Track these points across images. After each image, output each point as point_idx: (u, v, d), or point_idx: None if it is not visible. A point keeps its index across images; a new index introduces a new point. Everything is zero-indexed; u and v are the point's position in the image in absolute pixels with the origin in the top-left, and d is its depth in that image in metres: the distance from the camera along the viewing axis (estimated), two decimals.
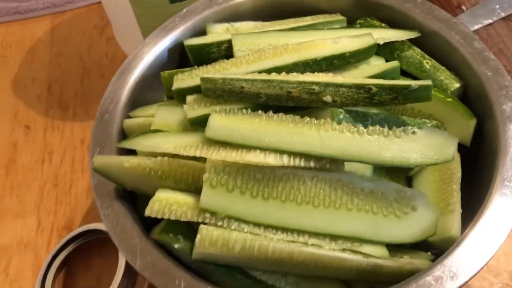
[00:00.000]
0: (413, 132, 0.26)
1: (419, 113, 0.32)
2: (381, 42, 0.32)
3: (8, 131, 0.48)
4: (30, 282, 0.38)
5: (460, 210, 0.28)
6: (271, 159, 0.25)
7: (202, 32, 0.37)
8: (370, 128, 0.26)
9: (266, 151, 0.26)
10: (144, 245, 0.27)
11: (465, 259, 0.25)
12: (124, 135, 0.32)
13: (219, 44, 0.34)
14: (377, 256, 0.25)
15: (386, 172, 0.29)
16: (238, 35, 0.33)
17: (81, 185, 0.43)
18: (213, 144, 0.27)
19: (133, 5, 0.41)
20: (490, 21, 0.47)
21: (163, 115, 0.30)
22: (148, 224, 0.28)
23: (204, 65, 0.32)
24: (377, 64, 0.31)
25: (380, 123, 0.27)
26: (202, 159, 0.27)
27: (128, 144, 0.28)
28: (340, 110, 0.27)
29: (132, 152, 0.30)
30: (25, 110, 0.49)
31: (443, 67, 0.33)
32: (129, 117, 0.33)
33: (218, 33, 0.36)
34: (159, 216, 0.26)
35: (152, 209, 0.26)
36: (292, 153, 0.26)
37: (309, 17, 0.36)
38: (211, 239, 0.25)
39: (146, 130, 0.29)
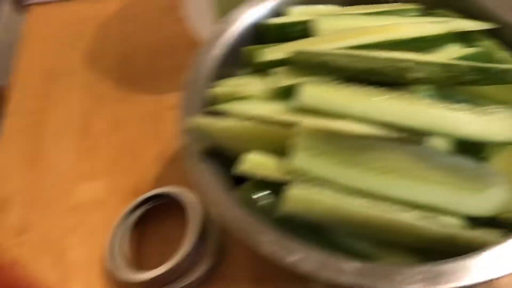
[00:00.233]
0: (498, 112, 0.27)
1: (492, 99, 0.33)
2: (459, 30, 0.34)
3: (81, 100, 0.51)
4: (101, 242, 0.41)
5: None
6: (360, 128, 0.27)
7: (279, 14, 0.39)
8: (457, 105, 0.27)
9: (354, 121, 0.28)
10: (230, 200, 0.29)
11: None
12: (207, 104, 0.34)
13: (300, 24, 0.36)
14: (454, 226, 0.27)
15: (462, 151, 0.30)
16: (321, 16, 0.35)
17: (151, 153, 0.46)
18: (303, 111, 0.29)
19: None
20: None
21: (249, 85, 0.32)
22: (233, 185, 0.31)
23: (287, 42, 0.34)
24: (462, 49, 0.33)
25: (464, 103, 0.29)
26: (290, 126, 0.29)
27: (221, 108, 0.30)
28: (427, 86, 0.29)
29: None
30: (97, 81, 0.52)
31: None
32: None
33: (298, 14, 0.38)
34: (248, 174, 0.28)
35: (242, 167, 0.28)
36: (379, 124, 0.27)
37: (386, 4, 0.38)
38: (297, 198, 0.27)
39: (235, 97, 0.31)
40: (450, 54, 0.32)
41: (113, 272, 0.38)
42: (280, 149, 0.29)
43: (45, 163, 0.47)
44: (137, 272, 0.37)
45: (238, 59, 0.37)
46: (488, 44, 0.35)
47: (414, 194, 0.27)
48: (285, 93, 0.30)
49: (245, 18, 0.38)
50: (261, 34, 0.38)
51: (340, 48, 0.31)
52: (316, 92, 0.28)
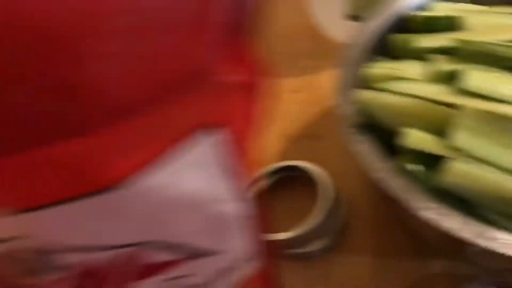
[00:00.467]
0: None
1: None
2: None
3: None
4: None
5: None
6: None
7: (422, 9, 0.41)
8: None
9: None
10: (388, 169, 0.32)
11: None
12: (362, 83, 0.37)
13: (447, 18, 0.38)
14: None
15: None
16: (470, 12, 0.38)
17: (274, 130, 0.49)
18: (466, 94, 0.31)
19: None
20: None
21: (407, 68, 0.35)
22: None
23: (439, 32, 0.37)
24: None
25: None
26: (452, 107, 0.31)
27: (381, 86, 0.33)
28: None
29: None
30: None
31: None
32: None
33: (443, 9, 0.40)
34: (409, 146, 0.31)
35: (405, 140, 0.31)
36: None
37: None
38: (457, 171, 0.29)
39: (392, 78, 0.34)
40: None
41: None
42: (438, 128, 0.32)
43: None
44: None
45: (382, 48, 0.39)
46: None
47: None
48: (446, 77, 0.33)
49: (391, 10, 0.41)
50: (405, 25, 0.40)
51: (502, 41, 0.33)
52: (481, 77, 0.31)
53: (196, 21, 0.13)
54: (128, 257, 0.18)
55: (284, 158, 0.47)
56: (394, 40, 0.38)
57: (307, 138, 0.49)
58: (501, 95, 0.30)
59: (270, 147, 0.48)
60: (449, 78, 0.33)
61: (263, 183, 0.43)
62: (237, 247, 0.20)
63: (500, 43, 0.32)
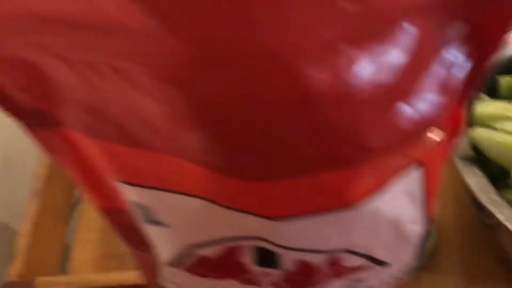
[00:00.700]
0: None
1: None
2: None
3: None
4: None
5: None
6: None
7: None
8: None
9: None
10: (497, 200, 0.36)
11: None
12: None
13: None
14: None
15: None
16: None
17: None
18: None
19: None
20: None
21: None
22: None
23: None
24: None
25: None
26: None
27: (497, 124, 0.37)
28: None
29: None
30: None
31: None
32: None
33: None
34: None
35: None
36: None
37: None
38: None
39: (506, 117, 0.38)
40: None
41: None
42: None
43: None
44: None
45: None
46: None
47: None
48: None
49: (502, 52, 0.44)
50: None
51: None
52: None
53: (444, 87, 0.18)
54: (333, 259, 0.22)
55: None
56: (504, 82, 0.42)
57: None
58: None
59: None
60: None
61: None
62: (405, 260, 0.24)
63: None
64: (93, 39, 0.17)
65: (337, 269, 0.23)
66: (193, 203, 0.21)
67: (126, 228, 0.25)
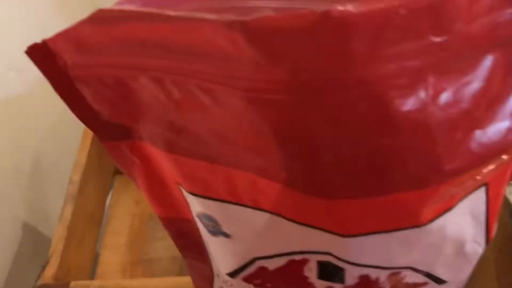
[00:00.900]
0: None
1: None
2: None
3: None
4: None
5: None
6: None
7: None
8: None
9: None
10: None
11: None
12: None
13: None
14: None
15: None
16: None
17: None
18: None
19: None
20: None
21: None
22: None
23: None
24: None
25: None
26: None
27: None
28: None
29: None
30: None
31: None
32: None
33: None
34: None
35: None
36: None
37: None
38: None
39: None
40: None
41: None
42: None
43: None
44: None
45: None
46: None
47: None
48: None
49: None
50: None
51: None
52: None
53: None
54: (394, 275, 0.23)
55: None
56: None
57: None
58: None
59: None
60: None
61: None
62: (461, 279, 0.25)
63: None
64: (190, 62, 0.17)
65: (396, 285, 0.23)
66: (262, 217, 0.22)
67: (187, 238, 0.26)
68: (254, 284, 0.26)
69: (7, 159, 0.55)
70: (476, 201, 0.22)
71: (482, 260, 0.46)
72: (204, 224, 0.24)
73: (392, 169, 0.18)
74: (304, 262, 0.23)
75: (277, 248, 0.23)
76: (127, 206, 0.60)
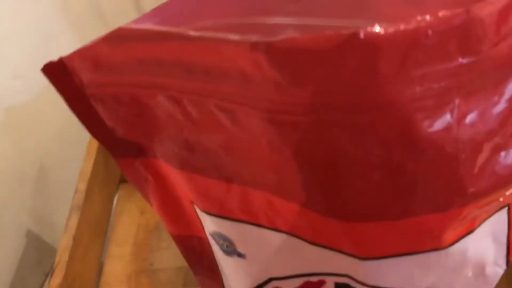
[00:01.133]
0: None
1: None
2: None
3: None
4: None
5: None
6: None
7: None
8: None
9: None
10: None
11: None
12: None
13: None
14: None
15: None
16: None
17: None
18: None
19: None
20: None
21: None
22: None
23: None
24: None
25: None
26: None
27: None
28: None
29: None
30: None
31: None
32: None
33: None
34: None
35: None
36: None
37: None
38: None
39: None
40: None
41: None
42: None
43: None
44: None
45: None
46: None
47: None
48: None
49: None
50: None
51: None
52: None
53: None
54: None
55: None
56: None
57: None
58: None
59: None
60: None
61: None
62: None
63: None
64: (209, 82, 0.17)
65: None
66: (278, 238, 0.21)
67: (199, 255, 0.26)
68: None
69: (12, 166, 0.55)
70: (498, 222, 0.21)
71: None
72: (218, 243, 0.23)
73: (415, 192, 0.18)
74: (321, 283, 0.22)
75: (293, 269, 0.22)
76: (132, 215, 0.59)
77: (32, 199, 0.60)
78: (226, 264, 0.24)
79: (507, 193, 0.20)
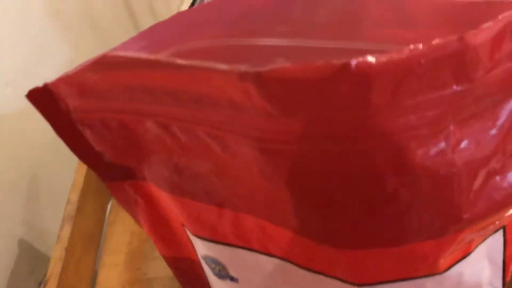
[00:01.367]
0: None
1: None
2: None
3: None
4: None
5: None
6: None
7: None
8: None
9: None
10: None
11: None
12: None
13: None
14: None
15: None
16: None
17: None
18: None
19: None
20: None
21: None
22: None
23: None
24: None
25: None
26: None
27: None
28: None
29: None
30: None
31: None
32: None
33: None
34: None
35: None
36: None
37: None
38: None
39: None
40: None
41: None
42: None
43: None
44: None
45: None
46: None
47: None
48: None
49: None
50: None
51: None
52: None
53: None
54: None
55: None
56: None
57: None
58: None
59: None
60: None
61: None
62: None
63: None
64: (198, 110, 0.17)
65: None
66: (271, 263, 0.21)
67: (191, 277, 0.25)
68: None
69: (4, 175, 0.54)
70: (494, 244, 0.21)
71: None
72: (210, 267, 0.23)
73: (409, 219, 0.18)
74: None
75: None
76: (125, 224, 0.59)
77: (25, 208, 0.59)
78: (218, 287, 0.24)
79: (503, 215, 0.20)
